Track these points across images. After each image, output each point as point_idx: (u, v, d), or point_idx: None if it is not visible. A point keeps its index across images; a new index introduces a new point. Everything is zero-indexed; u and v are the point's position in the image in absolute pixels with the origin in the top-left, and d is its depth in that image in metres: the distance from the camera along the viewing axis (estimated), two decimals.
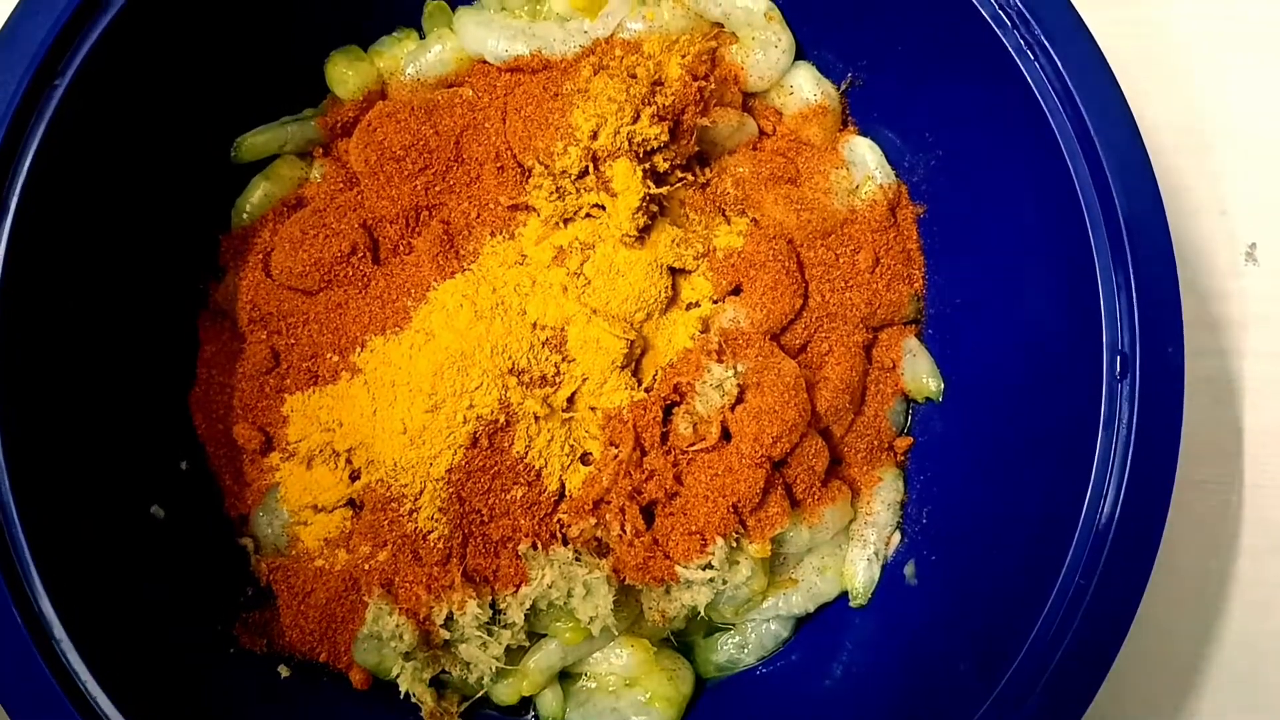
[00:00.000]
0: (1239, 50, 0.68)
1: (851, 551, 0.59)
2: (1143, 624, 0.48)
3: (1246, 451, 0.65)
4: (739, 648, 0.59)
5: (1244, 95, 0.68)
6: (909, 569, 0.58)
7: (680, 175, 0.57)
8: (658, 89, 0.55)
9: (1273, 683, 0.63)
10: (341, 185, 0.59)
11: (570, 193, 0.55)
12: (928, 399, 0.60)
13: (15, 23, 0.47)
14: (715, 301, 0.58)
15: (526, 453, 0.54)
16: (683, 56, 0.57)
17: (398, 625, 0.53)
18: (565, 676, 0.58)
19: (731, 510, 0.54)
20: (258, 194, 0.59)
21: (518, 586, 0.54)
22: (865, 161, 0.60)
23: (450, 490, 0.54)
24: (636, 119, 0.54)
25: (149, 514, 0.54)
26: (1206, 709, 0.63)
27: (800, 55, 0.60)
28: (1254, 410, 0.65)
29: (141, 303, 0.56)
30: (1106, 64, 0.50)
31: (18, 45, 0.47)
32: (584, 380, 0.55)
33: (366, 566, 0.55)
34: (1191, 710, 0.63)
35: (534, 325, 0.55)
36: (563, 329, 0.55)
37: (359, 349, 0.56)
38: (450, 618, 0.54)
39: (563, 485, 0.55)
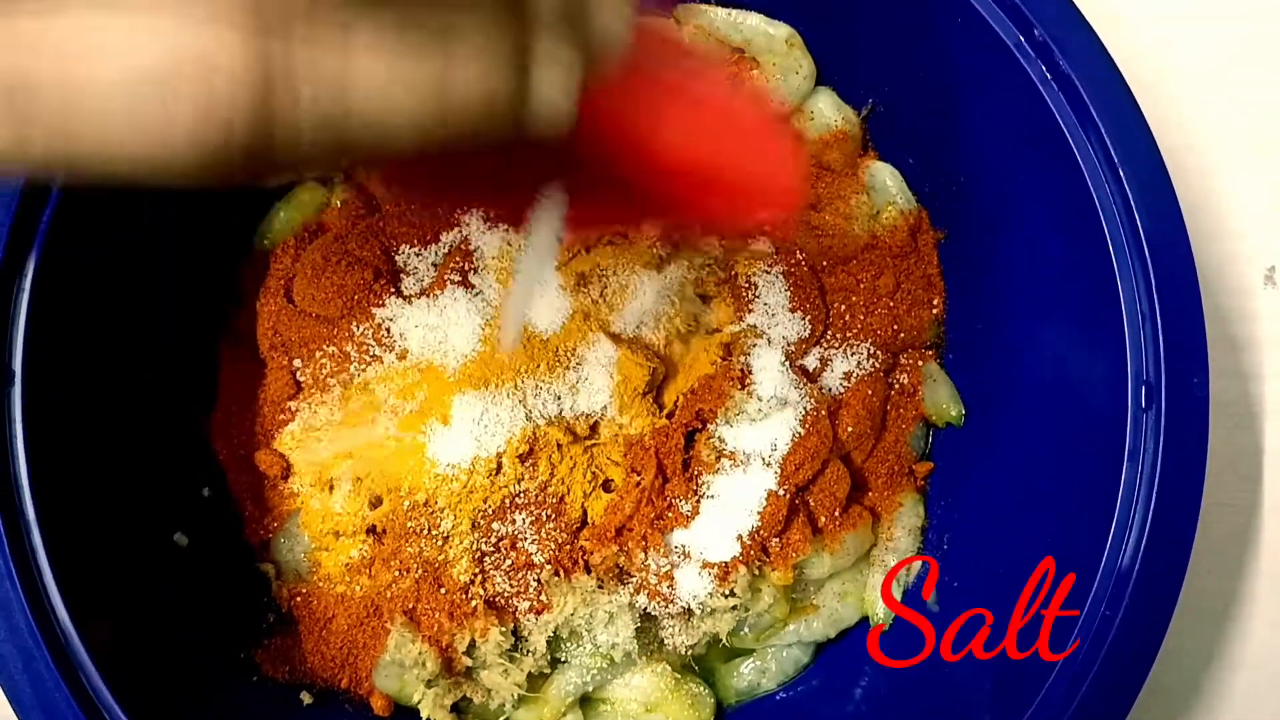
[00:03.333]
0: (1258, 72, 0.68)
1: (872, 577, 0.59)
2: (1161, 650, 0.48)
3: (1267, 474, 0.65)
4: (760, 673, 0.59)
5: (1263, 117, 0.67)
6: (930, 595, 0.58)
7: None
8: None
9: None
10: (363, 211, 0.59)
11: None
12: (948, 424, 0.60)
13: None
14: (736, 327, 0.58)
15: (549, 480, 0.54)
16: None
17: (420, 652, 0.53)
18: (586, 702, 0.58)
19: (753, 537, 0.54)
20: (279, 220, 0.59)
21: (540, 613, 0.54)
22: (886, 187, 0.60)
23: (472, 518, 0.54)
24: None
25: (172, 541, 0.55)
26: None
27: (821, 81, 0.60)
28: (1274, 432, 0.65)
29: (163, 330, 0.56)
30: (1129, 91, 0.50)
31: None
32: (606, 407, 0.55)
33: (388, 593, 0.55)
34: None
35: (556, 351, 0.55)
36: (585, 355, 0.55)
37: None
38: (472, 645, 0.54)
39: (585, 512, 0.55)
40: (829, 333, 0.59)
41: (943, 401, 0.59)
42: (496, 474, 0.53)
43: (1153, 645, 0.48)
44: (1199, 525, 0.48)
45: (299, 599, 0.56)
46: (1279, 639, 0.64)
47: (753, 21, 0.58)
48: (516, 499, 0.54)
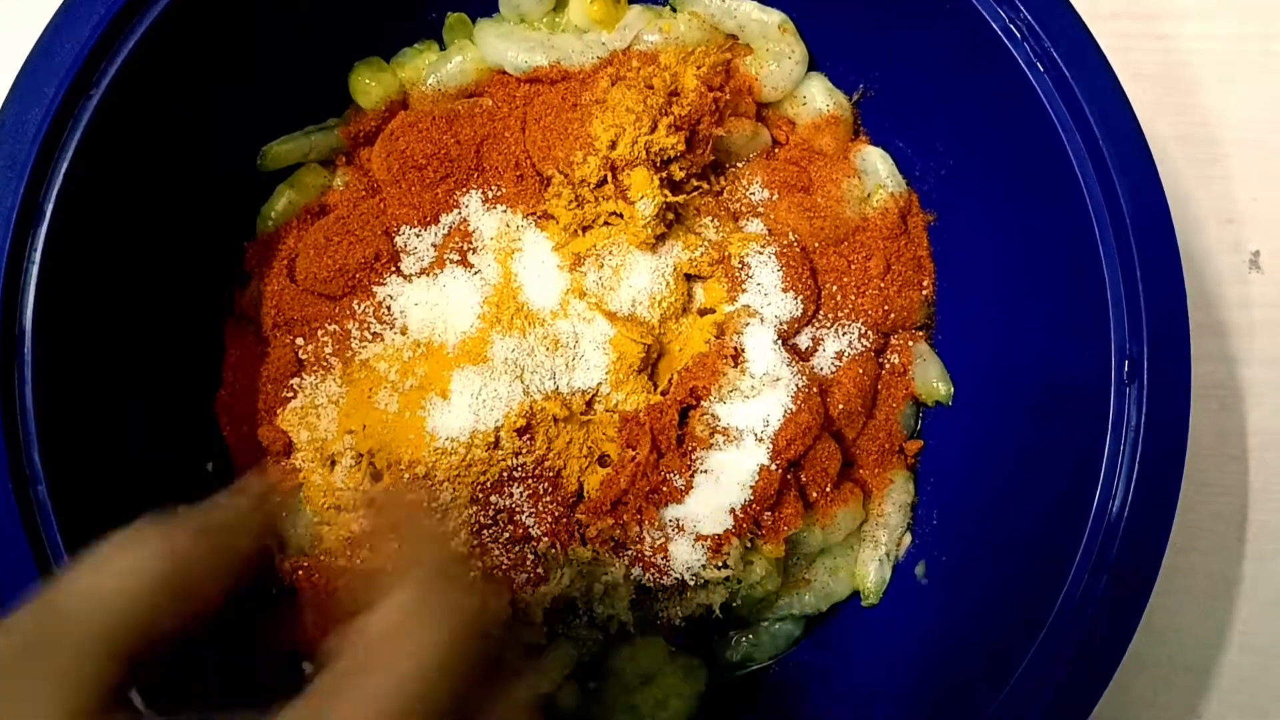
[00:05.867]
0: (1246, 61, 0.69)
1: (863, 552, 0.60)
2: (1148, 626, 0.49)
3: (1251, 456, 0.66)
4: (752, 646, 0.60)
5: (1250, 105, 0.69)
6: (919, 569, 0.59)
7: (696, 184, 0.58)
8: (674, 100, 0.56)
9: (1277, 687, 0.64)
10: (364, 193, 0.60)
11: (589, 201, 0.56)
12: (938, 403, 0.61)
13: (50, 36, 0.49)
14: (729, 307, 0.59)
15: (546, 455, 0.55)
16: (698, 67, 0.58)
17: None
18: (582, 674, 0.59)
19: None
20: (282, 201, 0.60)
21: (536, 585, 0.55)
22: (877, 170, 0.61)
23: (470, 491, 0.55)
24: (654, 129, 0.55)
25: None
26: (1211, 711, 0.64)
27: (813, 66, 0.61)
28: (1259, 415, 0.66)
29: (169, 309, 0.57)
30: (1114, 74, 0.51)
31: (53, 58, 0.48)
32: (601, 383, 0.56)
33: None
34: (1197, 711, 0.64)
35: (553, 330, 0.56)
36: (581, 333, 0.57)
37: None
38: None
39: (581, 486, 0.56)
40: (821, 313, 0.60)
41: (933, 380, 0.60)
42: (494, 447, 0.54)
43: (1136, 611, 0.49)
44: (1184, 508, 0.49)
45: (301, 572, 0.57)
46: (1265, 617, 0.65)
47: (746, 8, 0.59)
48: (514, 472, 0.55)
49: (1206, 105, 0.69)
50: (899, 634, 0.58)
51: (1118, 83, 0.50)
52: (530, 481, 0.55)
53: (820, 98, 0.61)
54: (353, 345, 0.58)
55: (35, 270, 0.48)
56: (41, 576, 0.47)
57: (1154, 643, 0.63)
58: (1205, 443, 0.65)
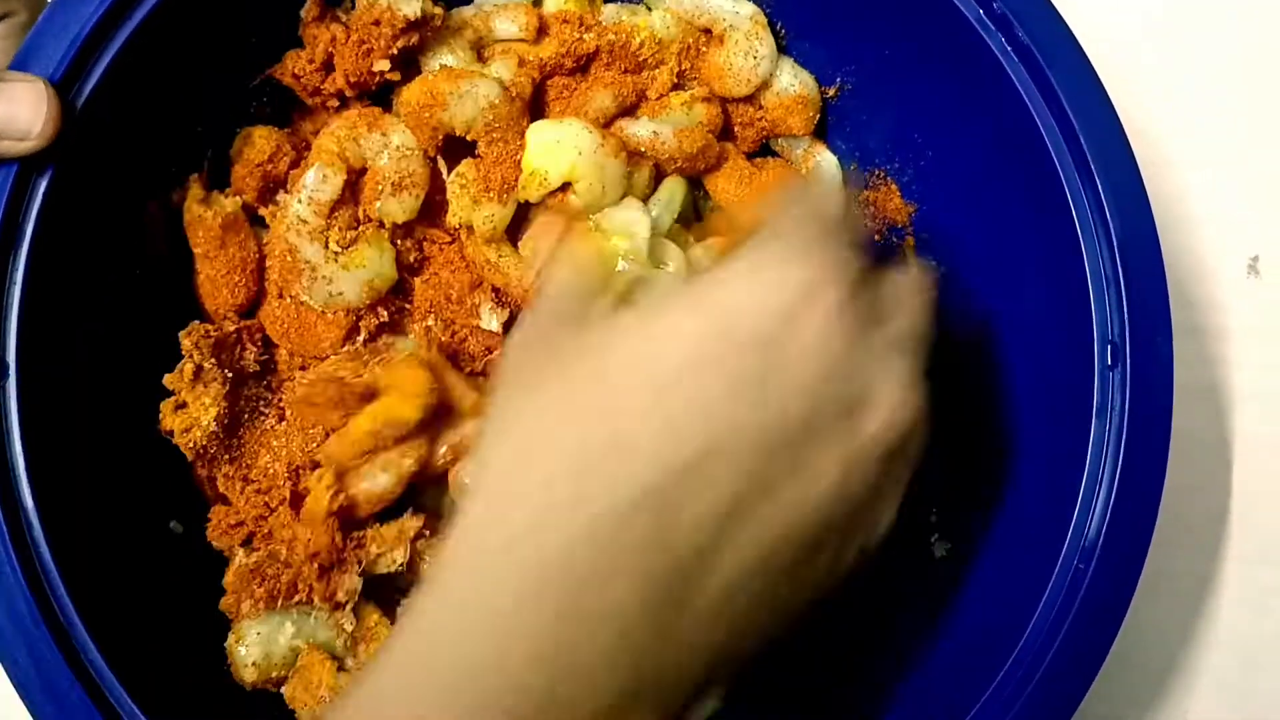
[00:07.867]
0: (1248, 62, 0.69)
1: None
2: (1134, 627, 0.48)
3: (1239, 460, 0.66)
4: None
5: (1249, 109, 0.69)
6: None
7: None
8: None
9: (1262, 688, 0.64)
10: None
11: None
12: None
13: (22, 59, 0.48)
14: None
15: None
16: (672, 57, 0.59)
17: None
18: None
19: None
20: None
21: None
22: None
23: None
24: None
25: (168, 529, 0.56)
26: (1196, 712, 0.64)
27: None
28: (1248, 420, 0.66)
29: (156, 329, 0.57)
30: (1089, 63, 0.51)
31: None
32: None
33: None
34: (1183, 711, 0.64)
35: None
36: None
37: None
38: None
39: None
40: None
41: None
42: None
43: (1123, 600, 0.49)
44: (1171, 509, 0.49)
45: None
46: (1248, 618, 0.65)
47: (718, 2, 0.59)
48: None
49: (1209, 107, 0.69)
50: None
51: (1093, 71, 0.51)
52: None
53: (785, 79, 0.61)
54: None
55: (17, 291, 0.48)
56: (34, 594, 0.46)
57: (1139, 644, 0.63)
58: (1193, 446, 0.65)
